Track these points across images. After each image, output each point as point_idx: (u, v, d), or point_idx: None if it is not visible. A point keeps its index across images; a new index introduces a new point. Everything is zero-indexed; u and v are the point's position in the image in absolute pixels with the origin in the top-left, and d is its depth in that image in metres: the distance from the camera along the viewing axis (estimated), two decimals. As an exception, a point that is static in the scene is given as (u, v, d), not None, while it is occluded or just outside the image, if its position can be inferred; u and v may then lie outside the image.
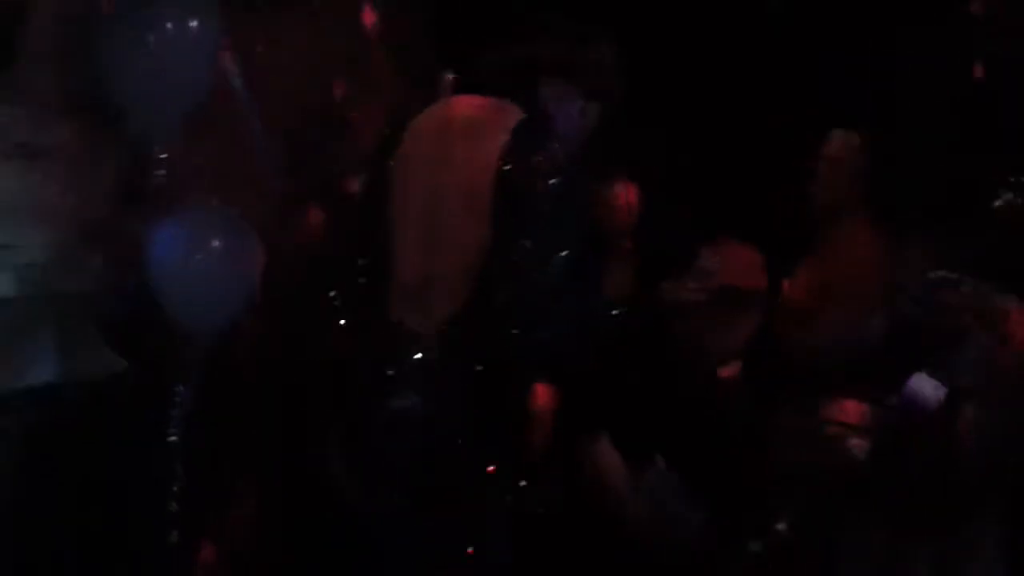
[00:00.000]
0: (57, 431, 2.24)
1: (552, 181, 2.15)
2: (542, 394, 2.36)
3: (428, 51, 2.78)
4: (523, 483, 2.22)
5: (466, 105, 2.30)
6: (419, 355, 2.16)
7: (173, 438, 2.25)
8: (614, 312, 2.51)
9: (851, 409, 2.45)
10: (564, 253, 2.17)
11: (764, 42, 3.38)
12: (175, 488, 2.26)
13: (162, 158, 2.24)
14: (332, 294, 2.31)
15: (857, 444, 2.36)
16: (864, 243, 2.81)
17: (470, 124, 2.23)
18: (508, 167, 2.13)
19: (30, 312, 2.24)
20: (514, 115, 2.22)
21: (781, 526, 2.52)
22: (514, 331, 2.15)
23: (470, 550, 2.16)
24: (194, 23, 2.24)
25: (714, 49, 3.43)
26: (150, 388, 2.31)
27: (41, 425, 2.22)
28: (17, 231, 2.19)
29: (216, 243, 2.31)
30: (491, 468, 2.16)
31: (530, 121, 2.21)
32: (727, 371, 2.69)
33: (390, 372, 2.19)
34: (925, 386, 2.30)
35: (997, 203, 2.98)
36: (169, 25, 2.20)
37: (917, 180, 3.05)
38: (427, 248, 2.18)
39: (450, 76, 2.58)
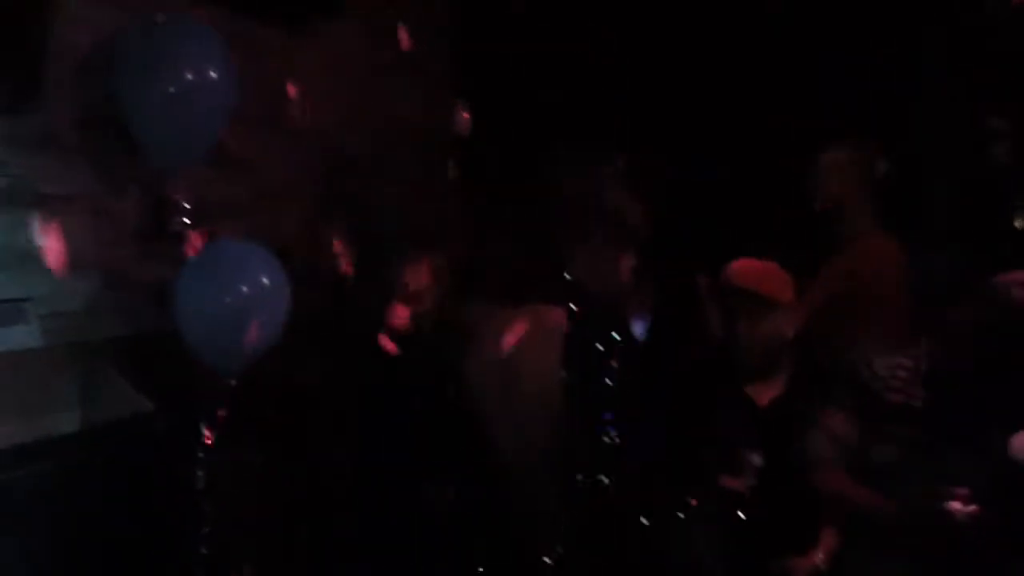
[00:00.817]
0: (86, 475, 2.25)
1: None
2: None
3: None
4: None
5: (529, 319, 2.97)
6: None
7: (200, 476, 2.26)
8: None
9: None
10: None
11: (775, 53, 3.40)
12: (204, 527, 2.26)
13: (184, 199, 2.27)
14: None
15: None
16: (880, 250, 2.79)
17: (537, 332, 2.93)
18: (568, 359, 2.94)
19: (55, 361, 2.25)
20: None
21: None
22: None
23: None
24: (211, 60, 2.25)
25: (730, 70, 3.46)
26: (177, 428, 2.32)
27: (70, 471, 2.23)
28: (38, 282, 2.19)
29: (242, 283, 2.29)
30: None
31: (580, 315, 2.94)
32: (768, 394, 2.64)
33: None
34: None
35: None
36: (187, 63, 2.21)
37: (932, 189, 3.05)
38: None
39: None
